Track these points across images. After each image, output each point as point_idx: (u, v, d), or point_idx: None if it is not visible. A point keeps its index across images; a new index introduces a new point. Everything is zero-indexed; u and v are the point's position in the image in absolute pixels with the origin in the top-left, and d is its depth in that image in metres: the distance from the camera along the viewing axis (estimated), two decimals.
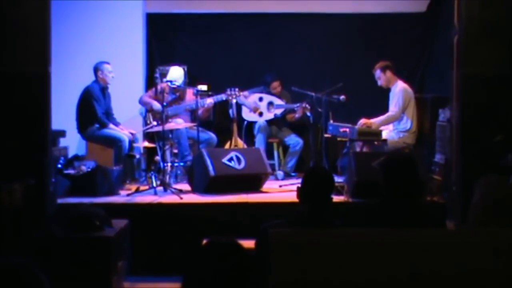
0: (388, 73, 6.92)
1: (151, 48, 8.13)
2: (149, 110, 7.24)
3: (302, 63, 8.12)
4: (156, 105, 7.01)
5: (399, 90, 6.87)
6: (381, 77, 6.94)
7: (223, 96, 7.25)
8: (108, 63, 6.97)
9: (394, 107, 6.83)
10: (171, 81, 7.22)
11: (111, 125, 6.89)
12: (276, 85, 7.73)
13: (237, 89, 7.20)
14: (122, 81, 7.12)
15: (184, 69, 7.46)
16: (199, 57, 8.13)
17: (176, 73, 7.33)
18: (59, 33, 6.42)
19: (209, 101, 7.29)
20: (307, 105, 7.18)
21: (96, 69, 6.92)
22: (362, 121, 6.87)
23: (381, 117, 6.89)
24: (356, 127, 6.53)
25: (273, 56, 8.19)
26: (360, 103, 7.92)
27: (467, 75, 5.23)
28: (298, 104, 7.35)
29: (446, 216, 5.29)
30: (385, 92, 7.07)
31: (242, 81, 7.68)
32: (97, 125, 6.79)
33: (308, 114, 7.16)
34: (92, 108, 6.77)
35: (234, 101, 7.41)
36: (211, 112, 7.71)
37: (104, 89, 6.95)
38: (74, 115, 6.92)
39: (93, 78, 7.00)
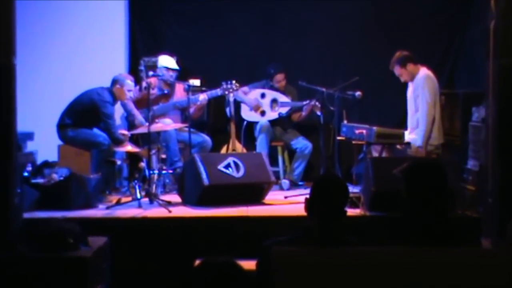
0: (410, 67, 6.85)
1: (134, 37, 8.12)
2: (129, 119, 7.27)
3: (311, 53, 8.11)
4: (139, 119, 7.08)
5: (421, 77, 6.78)
6: (402, 73, 6.88)
7: (218, 91, 7.25)
8: (131, 78, 7.06)
9: (422, 105, 6.70)
10: (166, 67, 7.25)
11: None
12: (280, 78, 7.72)
13: (234, 82, 7.20)
14: (102, 75, 7.11)
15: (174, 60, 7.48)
16: (191, 47, 8.11)
17: (169, 60, 7.37)
18: (28, 20, 6.44)
19: (202, 97, 7.28)
20: (317, 103, 7.16)
21: (115, 82, 7.00)
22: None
23: (422, 129, 6.70)
24: (374, 128, 6.49)
25: (276, 45, 8.16)
26: (379, 100, 7.92)
27: (506, 66, 5.20)
28: (306, 102, 7.33)
29: (481, 233, 5.27)
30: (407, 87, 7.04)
31: (240, 75, 7.66)
32: (107, 142, 6.83)
33: (318, 113, 7.15)
34: (108, 126, 6.87)
35: (231, 96, 7.41)
36: (204, 111, 7.72)
37: (114, 103, 7.04)
38: (64, 108, 6.94)
39: (69, 73, 7.00)
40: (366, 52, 8.00)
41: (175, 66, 7.40)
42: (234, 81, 7.24)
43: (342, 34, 8.06)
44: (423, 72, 6.86)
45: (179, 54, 7.63)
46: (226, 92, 7.27)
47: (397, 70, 6.89)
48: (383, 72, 7.28)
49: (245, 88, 7.70)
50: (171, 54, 7.52)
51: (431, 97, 6.74)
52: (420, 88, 6.76)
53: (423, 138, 6.70)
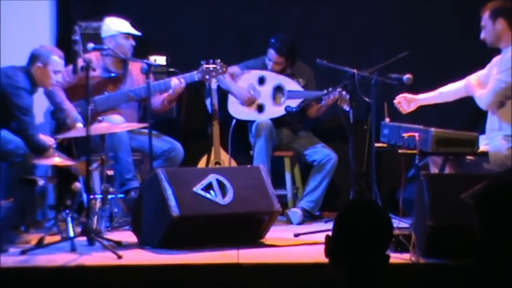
0: (501, 24, 6.77)
1: None
2: (57, 116, 7.29)
3: (333, 19, 8.18)
4: (73, 116, 7.15)
5: None
6: (487, 25, 6.81)
7: (195, 75, 7.27)
8: (59, 53, 7.06)
9: (498, 75, 6.66)
10: (124, 33, 7.39)
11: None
12: (275, 58, 7.71)
13: (219, 62, 7.21)
14: (15, 48, 7.24)
15: None
16: (152, 8, 8.18)
17: (124, 22, 7.45)
18: None
19: (176, 82, 7.28)
20: (343, 93, 7.15)
21: (34, 58, 6.99)
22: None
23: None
24: (432, 130, 6.47)
25: (282, 9, 8.25)
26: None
27: None
28: (327, 91, 7.30)
29: None
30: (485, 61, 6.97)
31: (226, 52, 7.83)
32: (23, 150, 6.82)
33: (346, 108, 7.13)
34: (24, 125, 6.87)
35: (213, 83, 7.43)
36: (175, 104, 7.72)
37: (33, 91, 7.03)
38: None
39: None
40: (418, 17, 8.05)
41: (135, 31, 7.38)
42: (219, 61, 7.25)
43: None
44: None
45: (133, 19, 7.64)
46: (207, 77, 7.27)
47: (484, 20, 6.83)
48: (446, 46, 7.27)
49: (235, 69, 7.70)
50: (123, 18, 7.53)
51: None
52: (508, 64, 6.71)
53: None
